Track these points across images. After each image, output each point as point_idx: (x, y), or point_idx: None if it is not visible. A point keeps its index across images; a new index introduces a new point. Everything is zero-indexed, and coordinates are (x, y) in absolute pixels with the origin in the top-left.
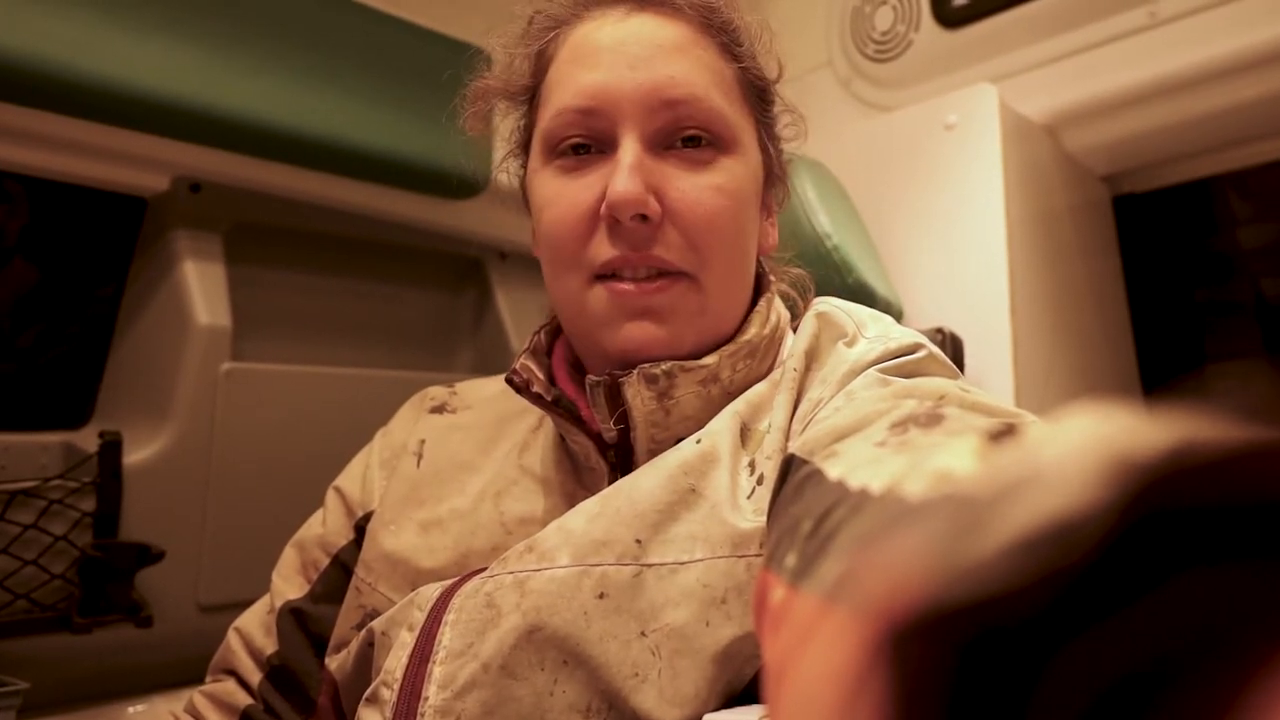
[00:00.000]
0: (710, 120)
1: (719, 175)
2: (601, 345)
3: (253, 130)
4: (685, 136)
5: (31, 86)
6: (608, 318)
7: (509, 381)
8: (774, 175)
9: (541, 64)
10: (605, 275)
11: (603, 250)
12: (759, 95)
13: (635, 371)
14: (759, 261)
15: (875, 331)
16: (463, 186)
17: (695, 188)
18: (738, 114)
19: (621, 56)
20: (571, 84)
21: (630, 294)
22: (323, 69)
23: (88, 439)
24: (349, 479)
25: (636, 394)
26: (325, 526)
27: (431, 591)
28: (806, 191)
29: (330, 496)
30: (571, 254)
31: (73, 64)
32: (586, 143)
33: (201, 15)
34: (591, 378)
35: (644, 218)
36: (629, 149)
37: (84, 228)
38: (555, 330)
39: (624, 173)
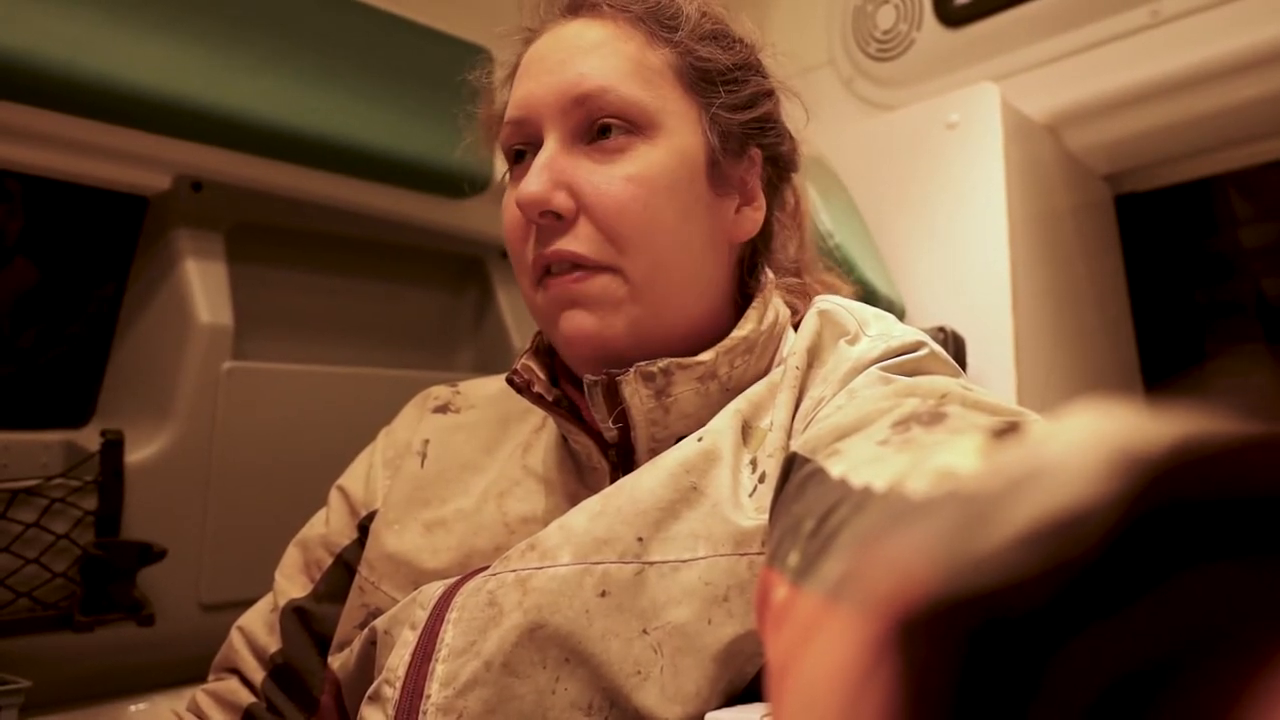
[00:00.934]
0: (621, 109)
1: (631, 164)
2: (555, 341)
3: (254, 129)
4: (599, 128)
5: (33, 85)
6: (549, 313)
7: (510, 382)
8: (731, 156)
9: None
10: (544, 276)
11: (532, 248)
12: (702, 77)
13: (632, 370)
14: (757, 253)
15: (877, 329)
16: (464, 185)
17: (606, 179)
18: (665, 99)
19: (544, 64)
20: (513, 98)
21: (555, 287)
22: (325, 68)
23: (89, 438)
24: (352, 478)
25: (634, 392)
26: (328, 526)
27: (434, 590)
28: (808, 190)
29: (333, 495)
30: (518, 255)
31: (74, 62)
32: (523, 149)
33: (203, 14)
34: (589, 377)
35: (558, 216)
36: (545, 150)
37: (85, 227)
38: None
39: (530, 174)
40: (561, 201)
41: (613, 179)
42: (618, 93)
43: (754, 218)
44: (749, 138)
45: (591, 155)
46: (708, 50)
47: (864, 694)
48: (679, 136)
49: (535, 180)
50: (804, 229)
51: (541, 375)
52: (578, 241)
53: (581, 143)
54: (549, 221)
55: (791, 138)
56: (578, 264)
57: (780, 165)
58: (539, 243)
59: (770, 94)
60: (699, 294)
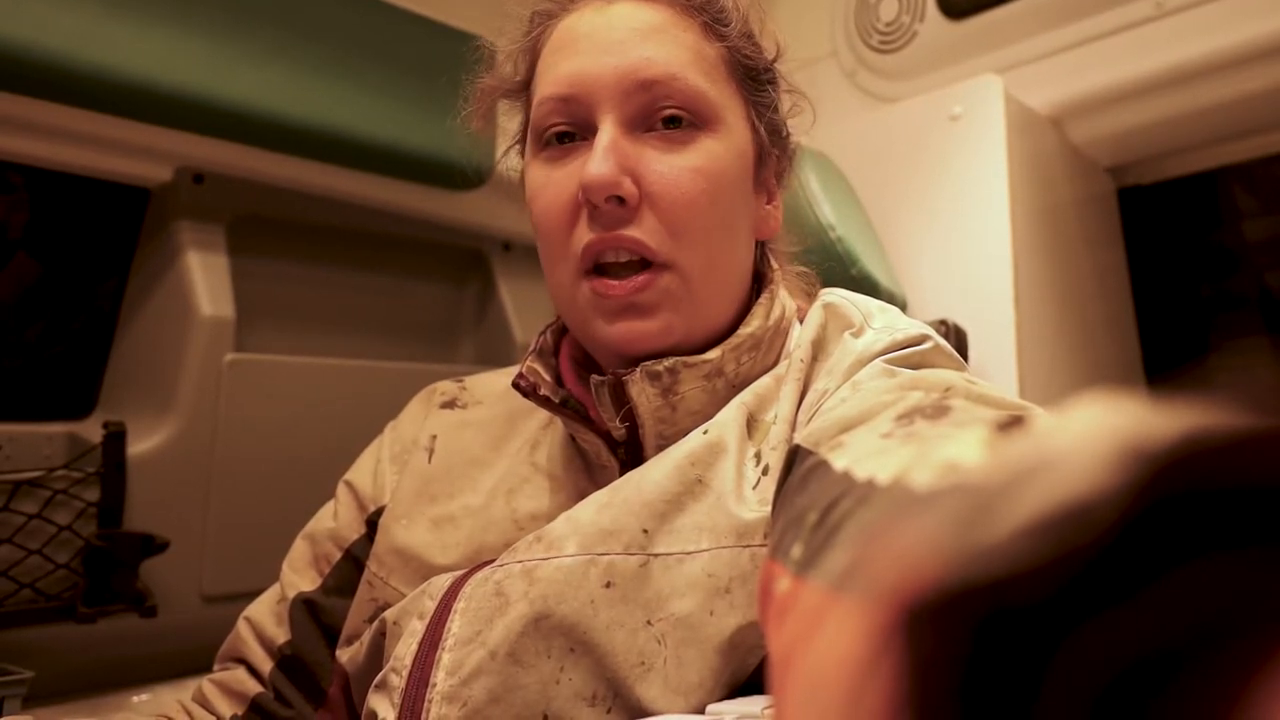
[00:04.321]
0: (688, 99)
1: (697, 156)
2: (596, 338)
3: (256, 121)
4: (664, 117)
5: (34, 77)
6: (593, 313)
7: (516, 386)
8: (769, 155)
9: (532, 59)
10: (591, 271)
11: (583, 235)
12: (748, 74)
13: (638, 369)
14: (764, 251)
15: (882, 323)
16: (466, 178)
17: (673, 169)
18: (721, 93)
19: (598, 43)
20: (552, 74)
21: (615, 291)
22: (327, 60)
23: (92, 429)
24: (360, 473)
25: (641, 391)
26: (337, 520)
27: (443, 581)
28: (810, 183)
29: (341, 490)
30: (559, 243)
31: (76, 54)
32: (569, 130)
33: (205, 5)
34: (595, 378)
35: (620, 200)
36: (606, 132)
37: (88, 219)
38: (561, 329)
39: (597, 155)
40: (629, 187)
41: (681, 170)
42: (687, 82)
43: (776, 216)
44: (776, 137)
45: (655, 144)
46: (751, 49)
47: (868, 685)
48: (735, 128)
49: (603, 163)
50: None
51: (547, 377)
52: (642, 230)
53: (641, 130)
54: (612, 207)
55: (793, 140)
56: (641, 256)
57: (789, 164)
58: (595, 228)
59: (789, 90)
60: (736, 292)
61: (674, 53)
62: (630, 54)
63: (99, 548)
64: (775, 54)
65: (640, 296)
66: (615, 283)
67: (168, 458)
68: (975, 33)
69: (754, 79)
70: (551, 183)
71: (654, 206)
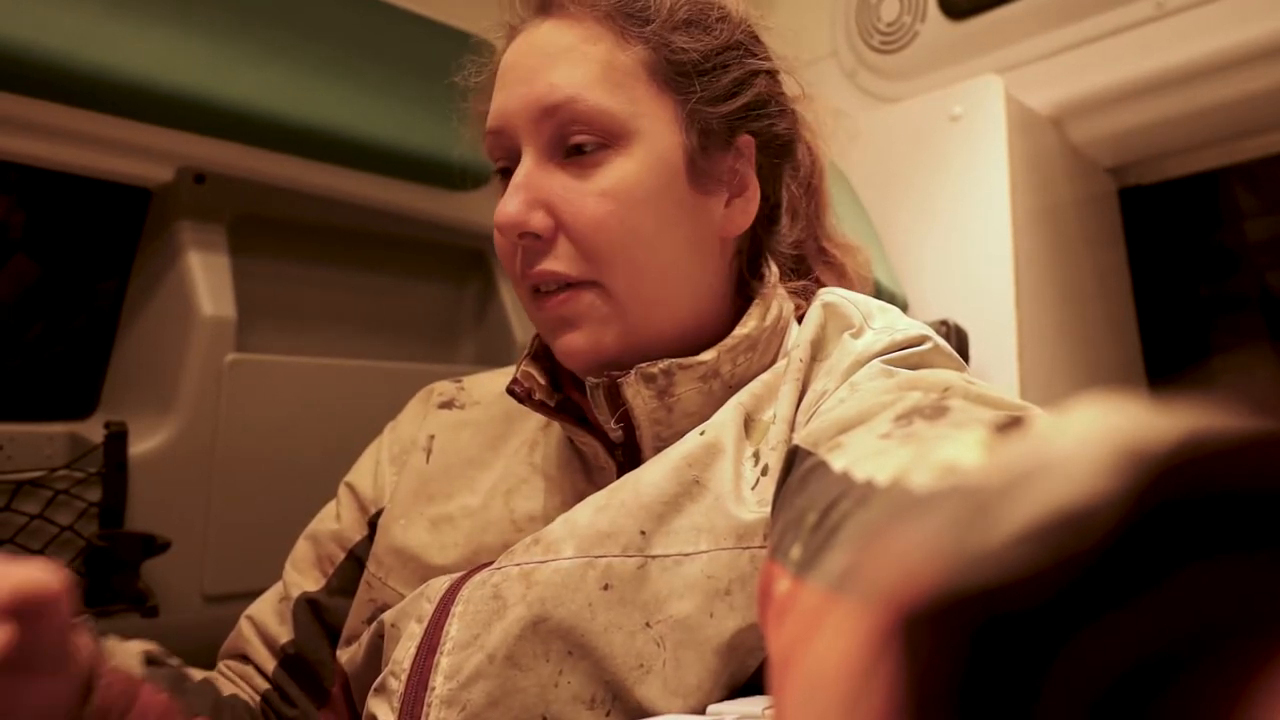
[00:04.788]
0: (591, 120)
1: (605, 178)
2: (555, 354)
3: (257, 121)
4: (571, 145)
5: (35, 77)
6: (545, 329)
7: (510, 393)
8: (715, 151)
9: (489, 92)
10: (534, 291)
11: (519, 268)
12: (677, 72)
13: (633, 372)
14: (759, 240)
15: (882, 323)
16: (466, 178)
17: (580, 195)
18: (635, 102)
19: (518, 73)
20: (491, 108)
21: (546, 308)
22: (327, 60)
23: (93, 429)
24: (360, 475)
25: (636, 394)
26: (340, 522)
27: (441, 584)
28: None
29: (342, 491)
30: (511, 271)
31: (76, 54)
32: (508, 164)
33: (206, 5)
34: (591, 380)
35: (536, 235)
36: (521, 167)
37: (89, 220)
38: None
39: (508, 194)
40: (539, 221)
41: (586, 195)
42: (586, 102)
43: (746, 210)
44: (736, 127)
45: (568, 170)
46: (684, 39)
47: (867, 687)
48: (654, 140)
49: (512, 201)
50: (819, 194)
51: (542, 381)
52: (558, 260)
53: (559, 156)
54: (529, 242)
55: (790, 112)
56: (566, 283)
57: (779, 145)
58: (523, 262)
59: (760, 74)
60: (690, 297)
61: (577, 73)
62: (537, 82)
63: (100, 548)
64: (730, 32)
65: (564, 310)
66: (547, 301)
67: (169, 458)
68: (976, 33)
69: (685, 75)
70: (497, 217)
71: (568, 234)
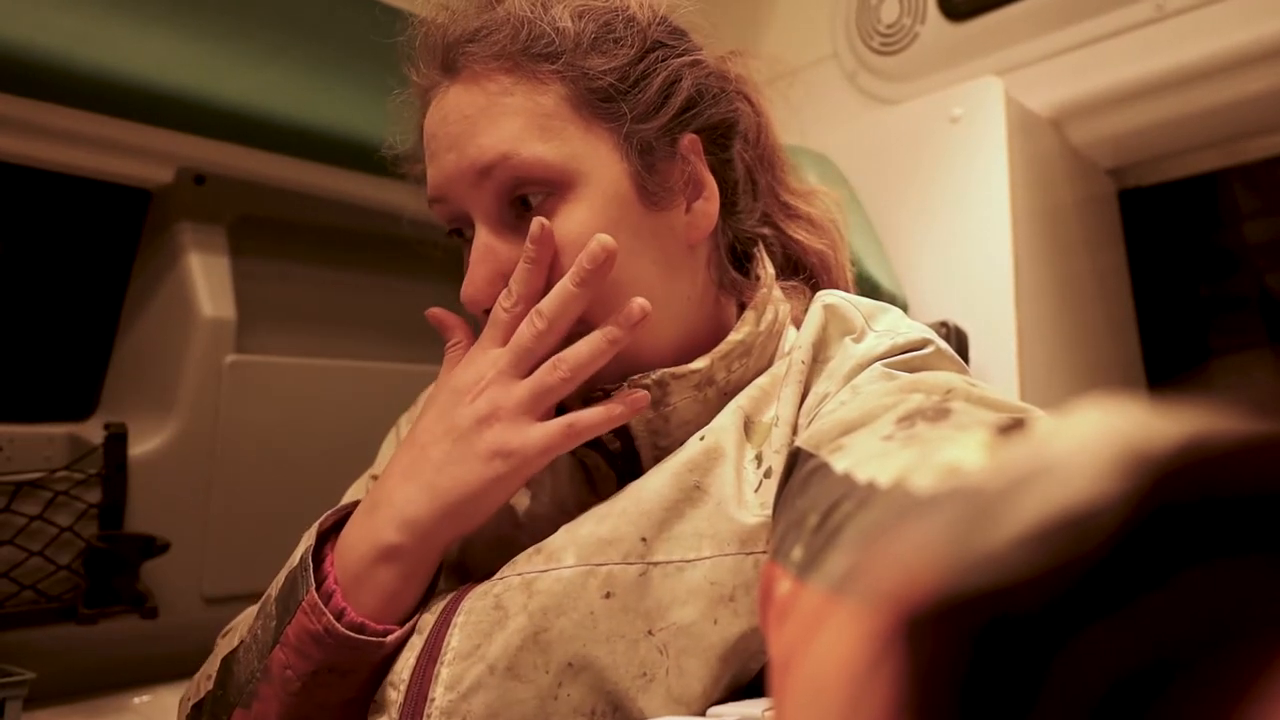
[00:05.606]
0: (530, 171)
1: (559, 232)
2: None
3: (257, 122)
4: (517, 197)
5: (35, 78)
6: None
7: None
8: (660, 165)
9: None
10: None
11: None
12: (601, 99)
13: (625, 384)
14: (751, 251)
15: (883, 325)
16: None
17: None
18: (569, 142)
19: (442, 141)
20: (428, 178)
21: None
22: (328, 61)
23: (93, 431)
24: (381, 465)
25: None
26: None
27: (442, 596)
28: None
29: (367, 485)
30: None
31: (76, 55)
32: (459, 226)
33: (206, 6)
34: (586, 393)
35: None
36: (477, 238)
37: (89, 221)
38: None
39: (470, 269)
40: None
41: None
42: (520, 156)
43: (708, 210)
44: (676, 132)
45: (521, 230)
46: (598, 61)
47: (868, 689)
48: (598, 177)
49: (471, 281)
50: (773, 150)
51: None
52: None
53: (509, 217)
54: None
55: (727, 92)
56: None
57: (724, 129)
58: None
59: (685, 68)
60: (674, 315)
61: (503, 130)
62: (466, 147)
63: (100, 549)
64: (641, 35)
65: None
66: None
67: (169, 459)
68: (976, 35)
69: (609, 100)
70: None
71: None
